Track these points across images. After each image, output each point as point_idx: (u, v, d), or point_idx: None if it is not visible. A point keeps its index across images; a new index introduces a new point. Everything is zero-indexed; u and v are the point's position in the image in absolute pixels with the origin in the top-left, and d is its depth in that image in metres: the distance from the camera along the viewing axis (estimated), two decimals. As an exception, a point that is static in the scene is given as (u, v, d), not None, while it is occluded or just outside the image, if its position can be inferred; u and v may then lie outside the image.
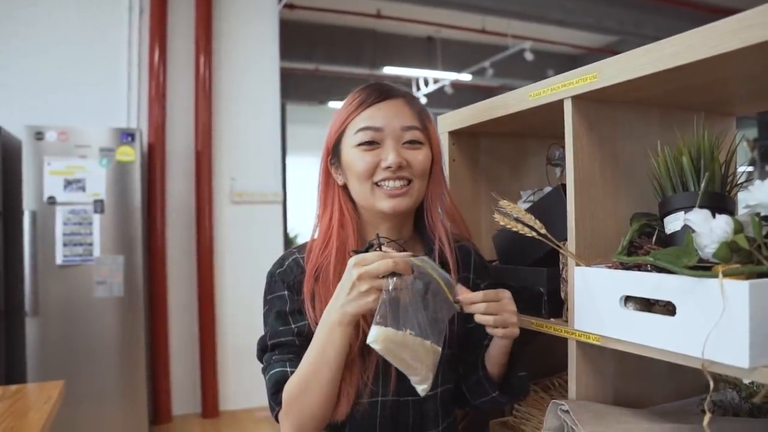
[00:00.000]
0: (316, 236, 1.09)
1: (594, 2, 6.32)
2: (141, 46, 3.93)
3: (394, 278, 0.86)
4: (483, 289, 1.07)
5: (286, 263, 1.08)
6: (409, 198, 1.04)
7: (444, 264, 1.05)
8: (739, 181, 0.90)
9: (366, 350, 0.96)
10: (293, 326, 1.02)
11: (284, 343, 1.02)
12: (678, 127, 1.03)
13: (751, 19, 0.68)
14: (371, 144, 1.03)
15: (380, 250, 0.91)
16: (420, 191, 1.06)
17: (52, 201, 3.25)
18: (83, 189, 3.31)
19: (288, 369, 0.99)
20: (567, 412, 0.88)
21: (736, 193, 0.90)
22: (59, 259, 3.26)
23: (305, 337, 0.99)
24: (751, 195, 0.78)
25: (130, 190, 3.42)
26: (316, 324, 0.96)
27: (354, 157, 1.04)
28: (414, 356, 0.86)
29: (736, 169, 0.95)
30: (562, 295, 1.02)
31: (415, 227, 1.14)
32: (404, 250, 0.94)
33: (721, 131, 1.00)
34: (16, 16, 3.68)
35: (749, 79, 0.89)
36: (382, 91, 1.07)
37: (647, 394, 1.01)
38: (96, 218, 3.33)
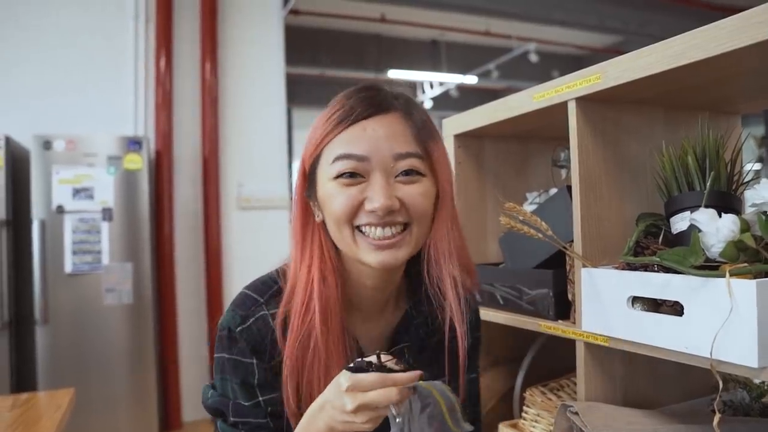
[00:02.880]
0: (296, 287, 0.85)
1: (598, 2, 6.31)
2: (147, 54, 3.95)
3: (397, 407, 0.70)
4: (471, 345, 0.97)
5: (251, 321, 0.84)
6: (405, 249, 0.80)
7: (433, 326, 0.90)
8: (745, 180, 0.90)
9: None
10: (262, 403, 0.84)
11: (255, 425, 0.84)
12: (683, 126, 1.03)
13: (757, 16, 0.68)
14: (353, 176, 0.79)
15: (382, 368, 0.72)
16: (420, 237, 0.82)
17: (60, 210, 3.26)
18: (91, 197, 3.33)
19: None
20: (576, 413, 0.88)
21: (742, 192, 0.89)
22: (68, 268, 3.27)
23: (277, 415, 0.83)
24: (758, 193, 0.78)
25: (137, 197, 3.44)
26: (295, 403, 0.81)
27: (330, 192, 0.80)
28: None
29: (742, 167, 0.95)
30: (569, 296, 1.02)
31: (406, 272, 0.92)
32: (406, 366, 0.74)
33: (726, 130, 1.00)
34: (22, 25, 3.71)
35: (755, 76, 0.89)
36: (371, 104, 0.81)
37: (656, 394, 1.01)
38: (104, 226, 3.35)
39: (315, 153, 0.83)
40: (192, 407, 3.90)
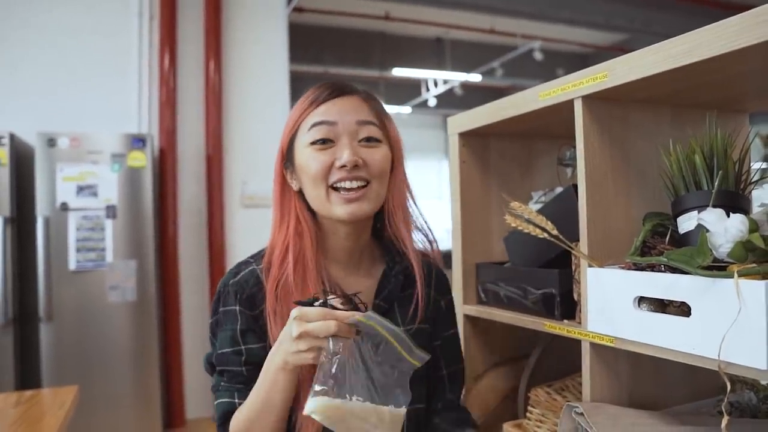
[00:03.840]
0: (276, 245, 1.01)
1: (603, 0, 6.29)
2: (151, 52, 3.95)
3: (338, 341, 0.79)
4: (443, 307, 1.15)
5: (241, 274, 1.01)
6: (366, 203, 0.97)
7: (408, 276, 1.06)
8: (753, 179, 0.89)
9: None
10: (243, 351, 0.97)
11: (232, 371, 0.97)
12: (690, 125, 1.02)
13: (764, 14, 0.67)
14: (325, 142, 0.96)
15: (326, 305, 0.82)
16: (379, 194, 1.00)
17: (64, 207, 3.27)
18: (95, 195, 3.33)
19: (236, 401, 0.95)
20: (581, 414, 0.87)
21: (750, 191, 0.88)
22: (72, 265, 3.28)
23: (254, 365, 0.94)
24: (766, 193, 0.77)
25: (141, 195, 3.44)
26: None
27: (307, 157, 0.97)
28: (362, 425, 0.79)
29: (750, 166, 0.94)
30: (575, 296, 1.01)
31: (373, 234, 1.10)
32: (355, 306, 0.85)
33: (734, 128, 0.99)
34: (26, 23, 3.72)
35: (763, 75, 0.88)
36: (336, 87, 1.01)
37: (662, 395, 1.00)
38: (108, 223, 3.36)
39: (294, 128, 1.00)
40: (195, 404, 3.91)
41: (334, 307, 0.82)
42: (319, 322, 0.79)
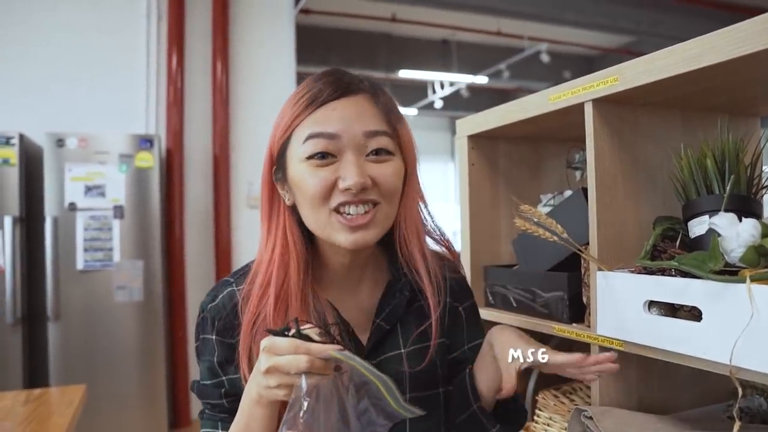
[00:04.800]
0: (259, 270, 0.87)
1: (610, 2, 6.28)
2: (159, 52, 3.97)
3: (312, 377, 0.68)
4: (463, 314, 0.98)
5: (219, 298, 0.88)
6: (374, 229, 0.82)
7: (420, 291, 0.91)
8: (765, 183, 0.89)
9: None
10: (224, 382, 0.87)
11: (214, 404, 0.88)
12: (701, 128, 1.02)
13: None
14: (324, 157, 0.80)
15: (298, 335, 0.69)
16: (388, 216, 0.85)
17: (72, 207, 3.29)
18: (103, 195, 3.35)
19: (219, 431, 0.87)
20: (590, 418, 0.87)
21: (762, 196, 0.88)
22: (80, 265, 3.30)
23: (236, 396, 0.84)
24: (778, 198, 0.77)
25: (149, 195, 3.45)
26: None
27: (303, 174, 0.81)
28: None
29: (762, 170, 0.94)
30: (584, 299, 1.01)
31: (380, 242, 0.92)
32: (335, 340, 0.73)
33: (745, 132, 0.99)
34: (35, 24, 3.74)
35: (775, 79, 0.87)
36: (337, 87, 0.83)
37: (672, 400, 1.00)
38: (116, 224, 3.37)
39: (285, 135, 0.84)
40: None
41: (309, 339, 0.69)
42: (288, 357, 0.67)
